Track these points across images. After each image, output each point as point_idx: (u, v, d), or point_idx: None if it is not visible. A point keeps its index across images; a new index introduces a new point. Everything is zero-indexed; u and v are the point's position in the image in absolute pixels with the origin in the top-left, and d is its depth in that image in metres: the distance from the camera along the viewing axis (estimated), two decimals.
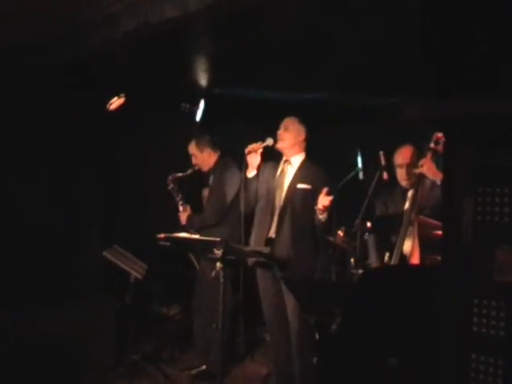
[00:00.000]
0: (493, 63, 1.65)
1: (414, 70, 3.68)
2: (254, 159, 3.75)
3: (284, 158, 3.87)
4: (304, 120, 3.88)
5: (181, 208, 4.62)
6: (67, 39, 4.07)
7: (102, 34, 3.81)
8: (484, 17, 1.62)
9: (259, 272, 3.84)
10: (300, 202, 3.72)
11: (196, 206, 4.72)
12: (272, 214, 3.74)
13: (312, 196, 3.67)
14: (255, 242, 3.78)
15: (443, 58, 1.69)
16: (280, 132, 3.82)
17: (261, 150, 3.74)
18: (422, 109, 1.81)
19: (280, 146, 3.79)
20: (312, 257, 3.76)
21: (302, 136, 3.84)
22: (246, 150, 3.72)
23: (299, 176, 3.78)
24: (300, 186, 3.74)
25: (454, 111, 1.69)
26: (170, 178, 4.61)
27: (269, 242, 3.71)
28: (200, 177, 4.85)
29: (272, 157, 3.94)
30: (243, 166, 3.77)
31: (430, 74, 1.79)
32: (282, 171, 3.85)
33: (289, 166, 3.84)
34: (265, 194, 3.81)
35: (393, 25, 3.22)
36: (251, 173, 3.78)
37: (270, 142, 3.74)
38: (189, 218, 4.57)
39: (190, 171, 4.63)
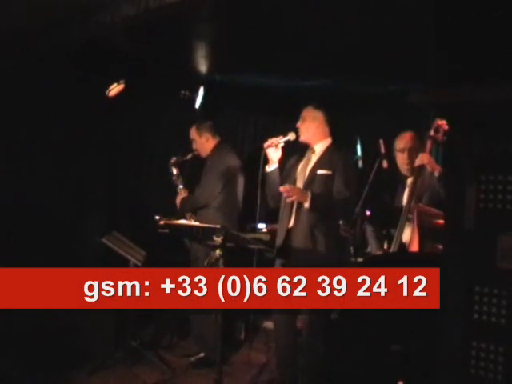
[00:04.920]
0: (501, 50, 1.63)
1: (417, 56, 3.65)
2: (274, 153, 3.68)
3: (310, 147, 3.82)
4: (321, 105, 3.80)
5: (179, 192, 4.64)
6: (66, 24, 4.03)
7: (101, 19, 3.77)
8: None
9: (277, 263, 3.77)
10: (319, 188, 3.63)
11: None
12: (292, 205, 3.65)
13: (332, 181, 3.63)
14: (278, 234, 3.75)
15: (451, 44, 1.67)
16: (298, 125, 3.77)
17: (282, 145, 3.67)
18: (426, 93, 1.79)
19: (301, 138, 3.75)
20: (331, 243, 3.64)
21: (321, 122, 3.77)
22: (265, 145, 3.65)
23: (320, 162, 3.72)
24: (320, 171, 3.67)
25: (459, 97, 1.68)
26: (172, 161, 4.63)
27: (289, 232, 3.65)
28: (200, 162, 4.85)
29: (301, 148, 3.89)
30: (261, 160, 3.64)
31: (434, 60, 1.78)
32: (308, 160, 3.79)
33: (313, 155, 3.79)
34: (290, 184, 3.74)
35: (399, 9, 3.20)
36: (271, 167, 3.71)
37: (291, 136, 3.68)
38: (182, 201, 4.60)
39: (190, 156, 4.65)
